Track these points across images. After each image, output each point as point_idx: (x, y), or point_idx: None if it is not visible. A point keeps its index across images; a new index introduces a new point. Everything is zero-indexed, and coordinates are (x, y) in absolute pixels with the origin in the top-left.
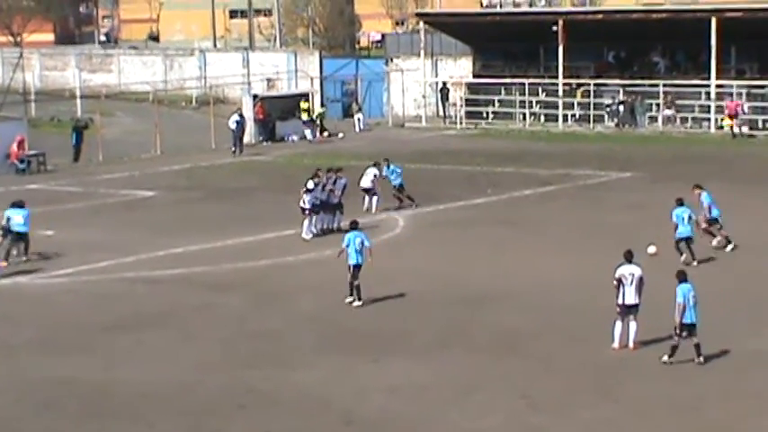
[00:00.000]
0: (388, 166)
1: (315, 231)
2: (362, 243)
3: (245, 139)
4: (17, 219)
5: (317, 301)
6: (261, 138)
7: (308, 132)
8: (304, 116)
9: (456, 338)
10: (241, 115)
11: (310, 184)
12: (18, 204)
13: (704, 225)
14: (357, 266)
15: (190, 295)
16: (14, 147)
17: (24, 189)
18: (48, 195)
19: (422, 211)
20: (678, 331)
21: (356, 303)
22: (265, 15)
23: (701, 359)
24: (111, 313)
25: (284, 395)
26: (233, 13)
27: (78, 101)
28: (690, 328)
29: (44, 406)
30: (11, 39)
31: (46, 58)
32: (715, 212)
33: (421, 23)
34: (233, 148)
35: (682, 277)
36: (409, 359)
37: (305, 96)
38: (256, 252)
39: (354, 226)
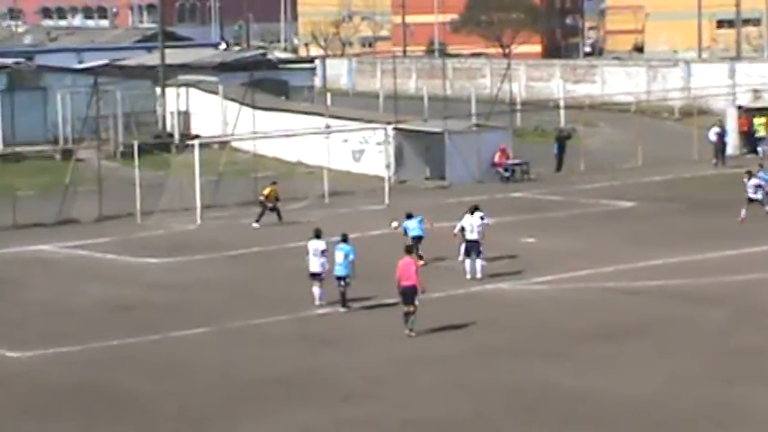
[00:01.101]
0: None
1: None
2: None
3: (729, 152)
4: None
5: None
6: (744, 150)
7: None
8: (761, 131)
9: None
10: (721, 127)
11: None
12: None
13: None
14: None
15: (668, 307)
16: (498, 155)
17: (508, 197)
18: (530, 204)
19: None
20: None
21: None
22: (754, 25)
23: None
24: (588, 321)
25: (765, 413)
26: (720, 23)
27: (561, 111)
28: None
29: (525, 410)
30: (500, 50)
31: (532, 69)
32: None
33: None
34: (714, 160)
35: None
36: None
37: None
38: (740, 266)
39: None
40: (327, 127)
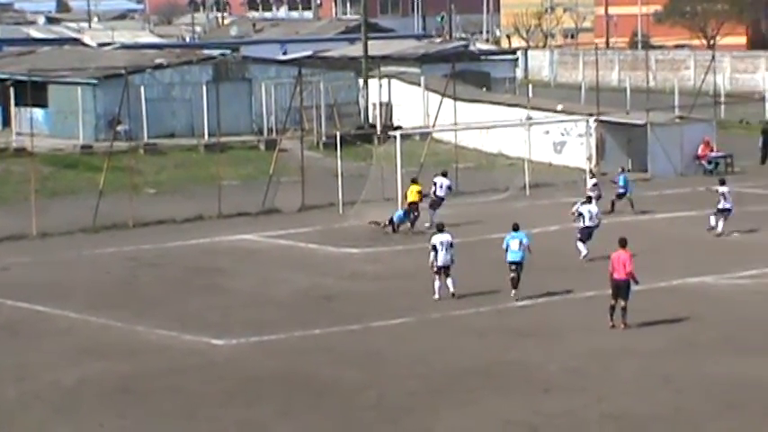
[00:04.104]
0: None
1: None
2: None
3: None
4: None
5: None
6: None
7: None
8: None
9: None
10: None
11: None
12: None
13: None
14: None
15: None
16: (701, 148)
17: (711, 190)
18: (734, 197)
19: None
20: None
21: None
22: None
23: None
24: None
25: None
26: None
27: (767, 104)
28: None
29: (726, 405)
30: (704, 42)
31: (737, 60)
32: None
33: None
34: None
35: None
36: None
37: None
38: None
39: None
40: (529, 118)
